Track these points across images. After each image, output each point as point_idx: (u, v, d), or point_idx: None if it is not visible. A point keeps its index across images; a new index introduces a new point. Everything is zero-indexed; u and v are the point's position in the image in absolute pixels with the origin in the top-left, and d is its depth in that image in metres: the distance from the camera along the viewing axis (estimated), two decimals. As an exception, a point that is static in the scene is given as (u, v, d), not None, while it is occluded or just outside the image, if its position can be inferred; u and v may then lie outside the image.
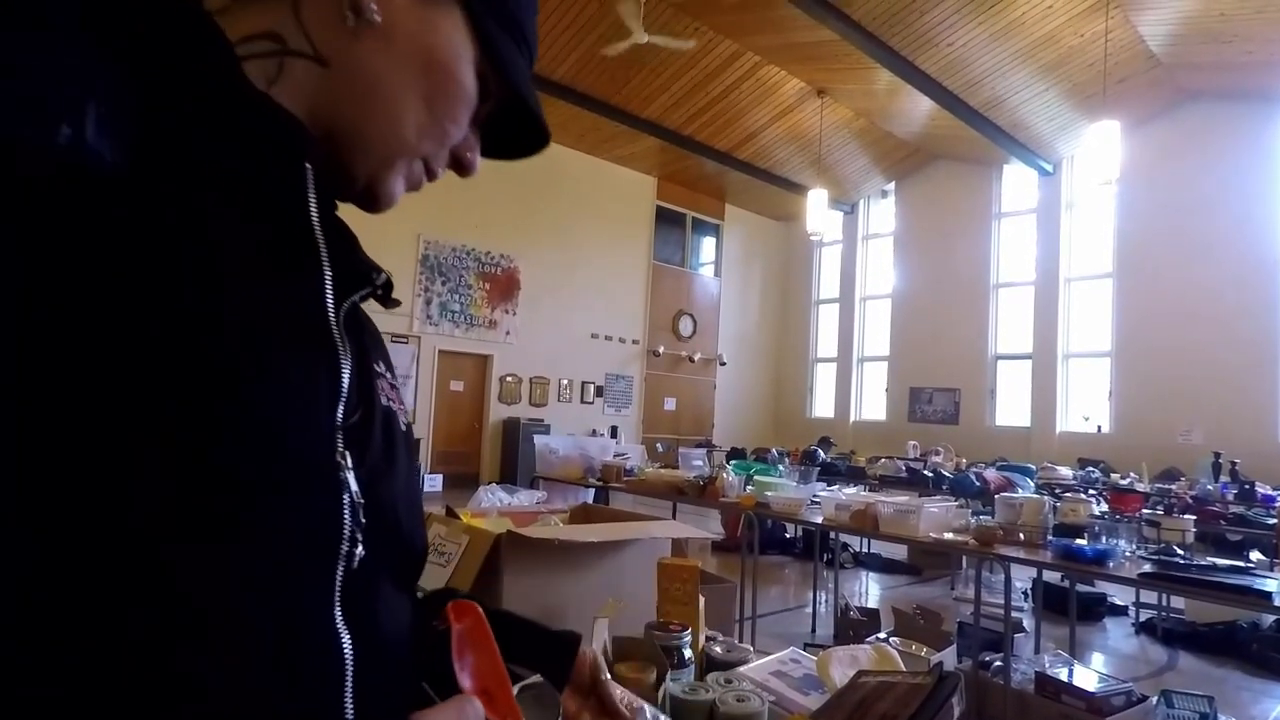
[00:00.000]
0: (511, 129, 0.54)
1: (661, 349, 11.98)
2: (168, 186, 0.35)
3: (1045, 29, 7.43)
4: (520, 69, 0.50)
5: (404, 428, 0.51)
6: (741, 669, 1.00)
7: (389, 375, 0.50)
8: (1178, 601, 4.45)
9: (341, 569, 0.41)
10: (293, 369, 0.40)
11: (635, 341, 11.75)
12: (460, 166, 0.52)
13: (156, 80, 0.35)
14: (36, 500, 0.31)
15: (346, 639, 0.41)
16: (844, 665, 0.97)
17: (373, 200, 0.49)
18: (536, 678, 0.62)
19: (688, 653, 0.98)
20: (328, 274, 0.43)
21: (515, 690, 0.54)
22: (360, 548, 0.43)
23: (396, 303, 0.50)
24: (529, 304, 10.37)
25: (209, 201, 0.37)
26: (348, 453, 0.43)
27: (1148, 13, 7.22)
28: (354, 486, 0.43)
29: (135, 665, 0.32)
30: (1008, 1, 7.02)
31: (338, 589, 0.41)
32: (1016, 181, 11.12)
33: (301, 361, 0.40)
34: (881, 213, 12.79)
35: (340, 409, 0.43)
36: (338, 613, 0.41)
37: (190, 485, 0.34)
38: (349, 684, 0.41)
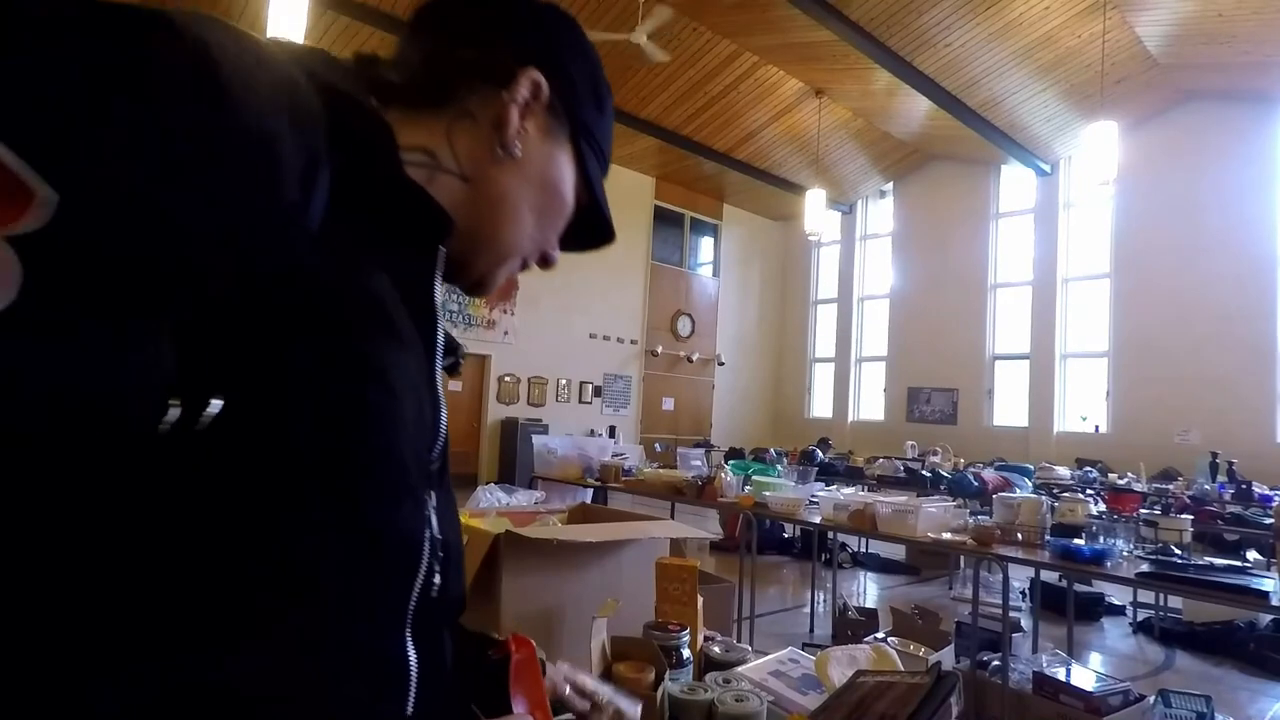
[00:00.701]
0: (584, 226, 0.65)
1: (660, 349, 11.98)
2: (342, 246, 0.42)
3: (1043, 30, 7.44)
4: (602, 183, 0.63)
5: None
6: (740, 669, 1.00)
7: None
8: (1175, 601, 4.45)
9: (416, 596, 0.47)
10: (414, 412, 0.47)
11: (633, 341, 11.75)
12: (545, 262, 0.63)
13: (343, 161, 0.42)
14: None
15: (413, 657, 0.47)
16: (842, 665, 0.97)
17: (480, 289, 0.60)
18: (569, 716, 0.69)
19: (686, 652, 0.98)
20: (440, 340, 0.52)
21: None
22: (437, 578, 0.50)
23: (459, 373, 0.60)
24: (527, 304, 10.36)
25: (367, 263, 0.45)
26: (432, 493, 0.51)
27: (1145, 13, 7.23)
28: (435, 522, 0.50)
29: (248, 642, 0.37)
30: (1005, 2, 7.03)
31: (410, 612, 0.47)
32: (1014, 182, 11.13)
33: (420, 407, 0.48)
34: (879, 213, 12.80)
35: (434, 454, 0.51)
36: (408, 634, 0.47)
37: (328, 497, 0.41)
38: (411, 697, 0.47)
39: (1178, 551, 3.04)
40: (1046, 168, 10.43)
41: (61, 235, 0.29)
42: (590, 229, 0.65)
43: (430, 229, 0.50)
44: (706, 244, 12.94)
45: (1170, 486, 5.87)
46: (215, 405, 0.36)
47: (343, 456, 0.41)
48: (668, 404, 12.19)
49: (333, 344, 0.41)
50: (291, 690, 0.39)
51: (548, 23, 0.58)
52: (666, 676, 0.90)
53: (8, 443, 0.29)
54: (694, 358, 12.43)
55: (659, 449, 10.63)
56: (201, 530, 0.36)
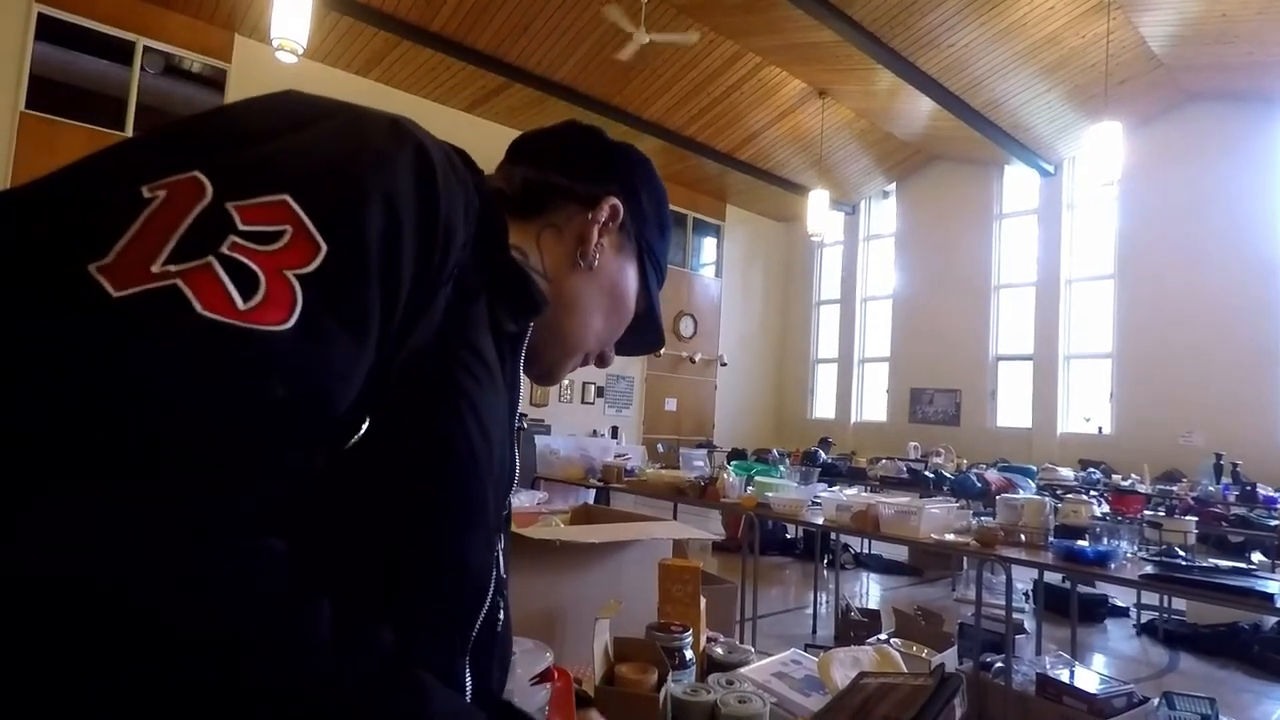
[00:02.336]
0: (638, 331, 0.74)
1: (662, 350, 11.97)
2: (464, 309, 0.51)
3: (1046, 30, 7.42)
4: (658, 295, 0.73)
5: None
6: (743, 670, 1.00)
7: None
8: (1179, 603, 4.44)
9: (478, 628, 0.53)
10: (499, 461, 0.53)
11: (636, 342, 11.75)
12: (602, 361, 0.72)
13: (477, 239, 0.52)
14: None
15: (469, 684, 0.52)
16: (845, 667, 0.97)
17: (547, 378, 0.68)
18: None
19: (689, 654, 0.98)
20: (520, 400, 0.59)
21: None
22: (501, 614, 0.55)
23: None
24: (530, 304, 10.35)
25: (479, 325, 0.53)
26: (501, 536, 0.57)
27: (1149, 14, 7.21)
28: (503, 562, 0.56)
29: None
30: (1009, 3, 7.02)
31: (470, 641, 0.52)
32: (1017, 182, 11.10)
33: (504, 458, 0.54)
34: (883, 213, 12.78)
35: (505, 500, 0.57)
36: (466, 661, 0.52)
37: (427, 522, 0.47)
38: None
39: (1182, 553, 3.03)
40: (1050, 168, 10.40)
41: (325, 276, 0.38)
42: (644, 333, 0.75)
43: (529, 304, 0.58)
44: (709, 245, 12.94)
45: (1174, 488, 5.85)
46: (363, 429, 0.43)
47: (445, 489, 0.47)
48: (670, 405, 12.18)
49: (450, 390, 0.48)
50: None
51: (627, 160, 0.70)
52: (669, 678, 0.90)
53: (283, 424, 0.36)
54: (696, 358, 12.43)
55: (661, 450, 10.62)
56: (325, 534, 0.42)
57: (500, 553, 0.56)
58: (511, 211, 0.61)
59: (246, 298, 0.36)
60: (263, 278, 0.36)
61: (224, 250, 0.36)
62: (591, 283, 0.65)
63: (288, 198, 0.39)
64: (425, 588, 0.48)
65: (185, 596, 0.32)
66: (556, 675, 0.64)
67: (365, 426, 0.43)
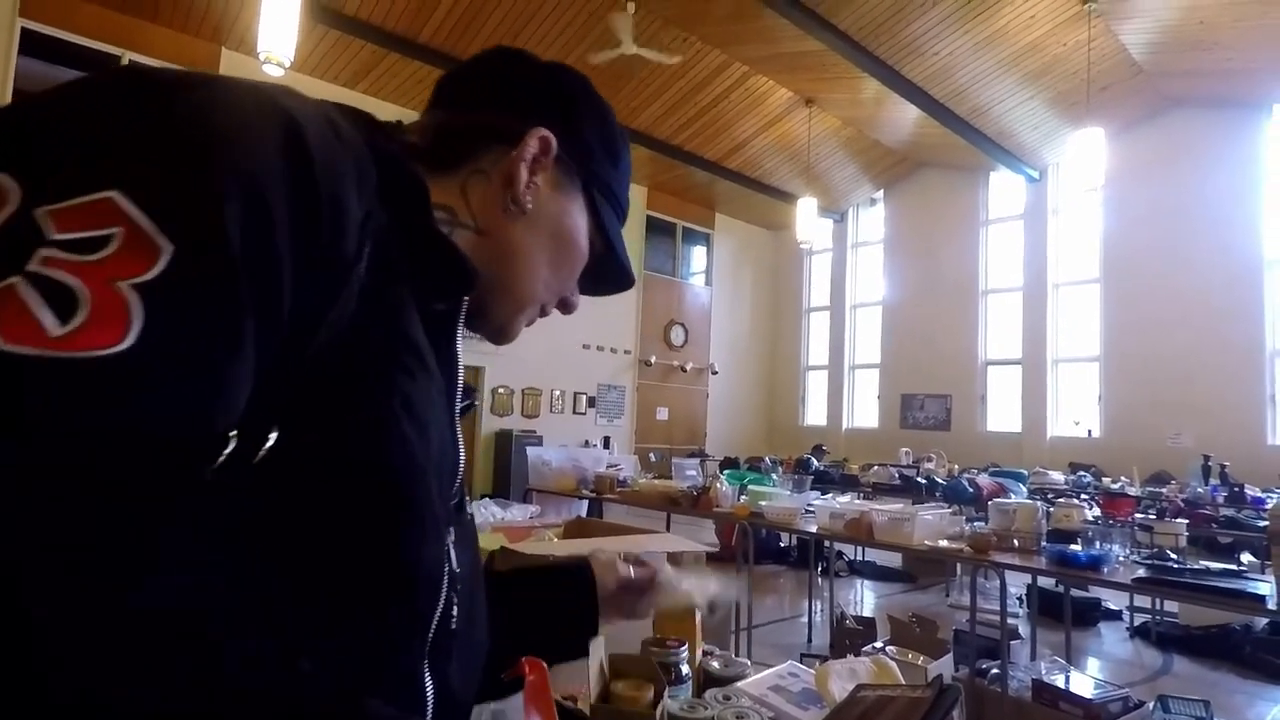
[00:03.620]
0: (602, 273, 0.67)
1: (653, 359, 11.97)
2: (383, 292, 0.45)
3: (1029, 38, 7.51)
4: (619, 232, 0.66)
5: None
6: (740, 684, 0.99)
7: None
8: (1171, 605, 4.46)
9: (434, 629, 0.49)
10: (439, 451, 0.49)
11: (627, 352, 11.74)
12: (565, 307, 0.66)
13: (386, 215, 0.47)
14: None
15: (430, 687, 0.49)
16: (843, 679, 0.96)
17: (501, 336, 0.63)
18: None
19: (685, 668, 0.97)
20: (460, 383, 0.55)
21: None
22: (455, 610, 0.52)
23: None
24: (520, 315, 10.32)
25: (403, 308, 0.48)
26: (451, 529, 0.52)
27: (1129, 21, 7.31)
28: (454, 556, 0.52)
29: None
30: (992, 11, 7.10)
31: (428, 643, 0.49)
32: (1003, 188, 11.20)
33: (444, 447, 0.50)
34: (871, 220, 12.85)
35: (453, 490, 0.53)
36: (425, 664, 0.49)
37: (365, 530, 0.44)
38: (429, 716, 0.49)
39: (1173, 556, 3.04)
40: (1035, 174, 10.50)
41: (172, 281, 0.33)
42: (609, 275, 0.68)
43: (458, 281, 0.52)
44: (699, 253, 12.97)
45: (1163, 490, 5.88)
46: (271, 439, 0.39)
47: (379, 493, 0.44)
48: (662, 414, 12.17)
49: (376, 384, 0.44)
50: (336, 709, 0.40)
51: (555, 83, 0.61)
52: (665, 694, 0.89)
53: (131, 446, 0.32)
54: (688, 367, 12.43)
55: (654, 459, 10.60)
56: (245, 554, 0.39)
57: (451, 545, 0.52)
58: (430, 166, 0.54)
59: (65, 320, 0.31)
60: (86, 294, 0.32)
61: (33, 267, 0.31)
62: (530, 228, 0.58)
63: (114, 194, 0.34)
64: (378, 593, 0.45)
65: (69, 651, 0.29)
66: (529, 668, 0.61)
67: (274, 437, 0.39)
